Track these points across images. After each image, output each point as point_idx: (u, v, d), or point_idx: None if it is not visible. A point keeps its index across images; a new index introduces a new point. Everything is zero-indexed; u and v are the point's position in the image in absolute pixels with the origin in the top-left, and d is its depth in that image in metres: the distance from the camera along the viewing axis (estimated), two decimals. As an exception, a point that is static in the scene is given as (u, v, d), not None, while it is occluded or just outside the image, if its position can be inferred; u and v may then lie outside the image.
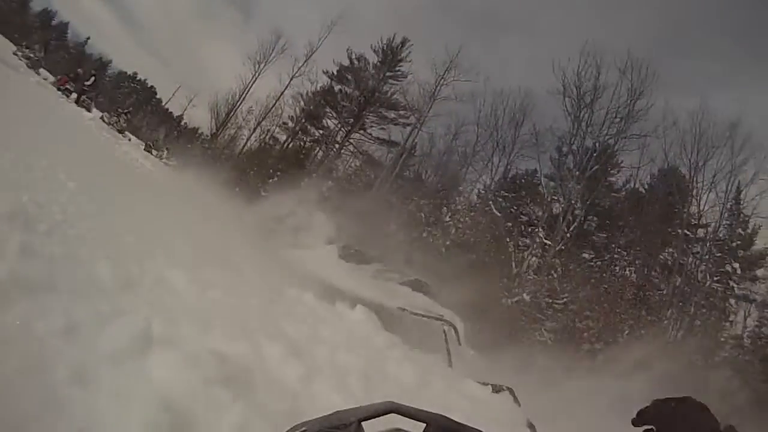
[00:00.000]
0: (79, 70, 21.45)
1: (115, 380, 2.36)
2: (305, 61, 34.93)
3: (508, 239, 26.71)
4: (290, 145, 35.54)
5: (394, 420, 0.69)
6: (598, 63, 28.96)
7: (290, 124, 36.03)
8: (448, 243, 26.40)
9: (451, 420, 0.67)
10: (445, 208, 29.38)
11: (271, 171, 31.30)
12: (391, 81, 34.42)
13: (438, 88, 32.18)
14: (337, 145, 34.51)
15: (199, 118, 41.24)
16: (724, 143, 26.81)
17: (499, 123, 31.45)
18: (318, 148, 35.56)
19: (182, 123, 42.96)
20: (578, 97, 29.16)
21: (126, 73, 47.33)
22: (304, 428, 0.71)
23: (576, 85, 29.21)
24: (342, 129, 34.90)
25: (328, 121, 35.51)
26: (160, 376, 2.57)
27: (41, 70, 19.47)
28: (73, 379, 2.20)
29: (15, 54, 18.35)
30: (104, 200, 5.88)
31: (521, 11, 48.97)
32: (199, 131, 41.89)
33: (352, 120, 34.36)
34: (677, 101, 32.37)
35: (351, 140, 34.70)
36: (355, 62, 35.16)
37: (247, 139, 36.59)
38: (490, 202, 29.13)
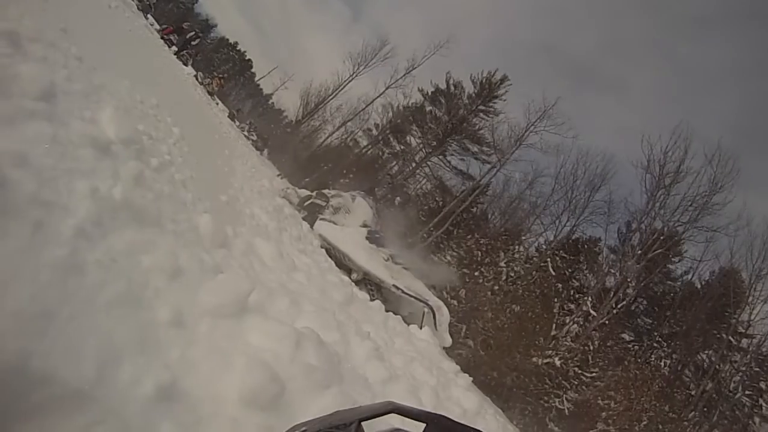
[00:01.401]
0: (185, 24, 21.83)
1: (213, 332, 2.23)
2: (404, 75, 35.08)
3: (555, 299, 25.72)
4: (369, 152, 35.72)
5: (394, 420, 0.69)
6: (686, 146, 27.59)
7: (374, 131, 36.26)
8: (496, 288, 25.76)
9: (451, 420, 0.66)
10: (502, 253, 28.50)
11: (344, 171, 31.50)
12: (482, 115, 33.92)
13: (526, 133, 31.42)
14: (414, 164, 34.30)
15: (287, 102, 41.89)
16: None
17: (576, 183, 30.35)
18: (395, 162, 35.46)
19: (270, 102, 43.83)
20: (659, 176, 27.92)
21: (227, 39, 46.99)
22: (304, 428, 0.73)
23: (660, 164, 27.95)
24: (423, 150, 34.66)
25: (412, 139, 35.29)
26: (256, 342, 2.39)
27: (149, 15, 19.47)
28: (173, 321, 2.04)
29: None
30: (202, 154, 5.87)
31: (624, 74, 47.75)
32: (284, 114, 42.68)
33: (435, 143, 34.03)
34: (755, 201, 30.46)
35: (429, 163, 34.36)
36: (452, 88, 34.82)
37: (329, 135, 37.01)
38: (548, 260, 28.10)
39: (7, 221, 1.49)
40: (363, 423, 0.70)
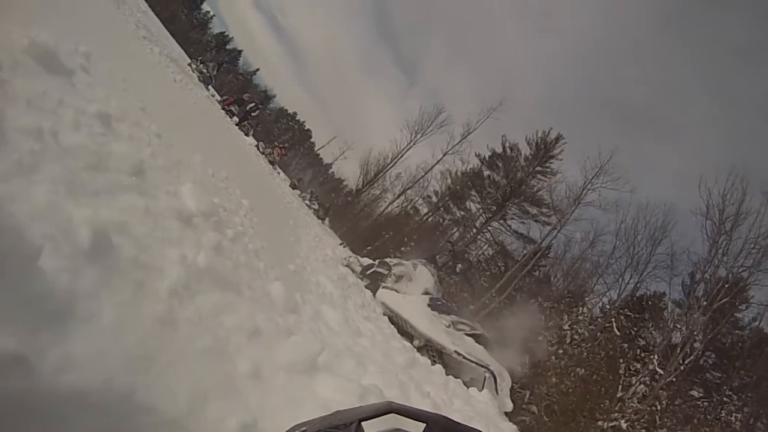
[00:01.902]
0: (245, 95, 22.57)
1: (287, 386, 2.44)
2: (460, 141, 35.79)
3: (621, 360, 24.64)
4: (429, 219, 35.94)
5: (394, 420, 0.68)
6: (744, 186, 26.45)
7: (434, 198, 36.68)
8: (560, 351, 24.90)
9: (451, 420, 0.65)
10: (566, 315, 27.60)
11: (405, 239, 31.72)
12: (539, 176, 33.88)
13: (584, 192, 31.12)
14: (474, 230, 34.22)
15: (347, 171, 43.04)
16: None
17: (637, 238, 29.49)
18: (455, 229, 35.52)
19: (330, 171, 45.15)
20: (719, 221, 26.72)
21: (286, 110, 49.76)
22: (304, 428, 0.71)
23: (719, 208, 26.82)
24: (483, 215, 34.62)
25: (471, 204, 35.43)
26: (325, 394, 2.62)
27: (210, 86, 20.25)
28: (252, 374, 2.27)
29: (189, 65, 19.38)
30: (270, 224, 6.25)
31: (678, 117, 46.81)
32: (344, 183, 43.75)
33: (494, 208, 33.98)
34: None
35: (489, 228, 34.20)
36: (508, 151, 35.17)
37: (389, 203, 37.53)
38: (612, 319, 27.00)
39: (115, 279, 1.78)
40: (363, 423, 0.68)
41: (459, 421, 0.65)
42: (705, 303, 24.98)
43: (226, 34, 48.35)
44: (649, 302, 28.17)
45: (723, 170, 27.89)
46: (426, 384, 5.28)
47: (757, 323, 26.11)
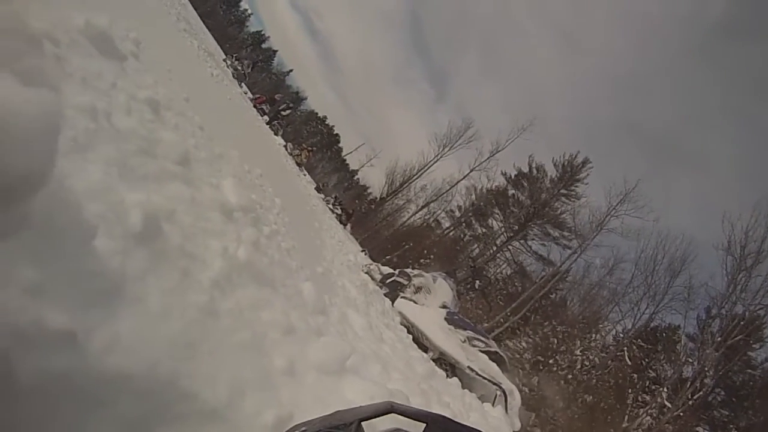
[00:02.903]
0: (277, 95, 22.75)
1: (317, 385, 2.44)
2: (488, 158, 35.62)
3: (630, 390, 24.43)
4: (450, 234, 35.78)
5: (394, 420, 0.68)
6: (767, 223, 26.00)
7: (457, 213, 36.65)
8: (570, 377, 24.53)
9: (451, 420, 0.66)
10: (579, 341, 27.31)
11: (425, 251, 31.61)
12: (564, 199, 33.72)
13: (607, 218, 30.95)
14: (495, 248, 34.00)
15: (372, 178, 43.17)
16: None
17: (656, 268, 28.96)
18: (476, 245, 35.31)
19: (355, 177, 45.15)
20: (740, 257, 26.25)
21: (316, 113, 49.46)
22: (304, 428, 0.73)
23: (741, 244, 26.38)
24: (504, 233, 34.52)
25: (494, 222, 35.36)
26: (352, 397, 2.59)
27: (243, 84, 20.36)
28: (287, 370, 2.25)
29: (224, 61, 19.34)
30: (299, 225, 6.25)
31: (705, 147, 46.00)
32: (368, 190, 43.68)
33: (516, 227, 33.93)
34: None
35: (510, 247, 34.04)
36: (534, 171, 35.01)
37: (412, 214, 37.54)
38: (625, 349, 26.68)
39: (162, 265, 1.76)
40: (363, 423, 0.69)
41: (459, 421, 0.66)
42: (719, 339, 24.77)
43: (262, 32, 48.80)
44: (663, 334, 27.97)
45: (747, 206, 27.53)
46: (445, 395, 5.25)
47: None
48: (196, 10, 26.13)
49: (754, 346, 25.66)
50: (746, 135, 45.71)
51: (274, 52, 49.11)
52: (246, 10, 47.66)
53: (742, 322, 24.92)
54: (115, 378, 1.26)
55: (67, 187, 1.43)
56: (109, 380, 1.24)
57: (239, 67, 20.08)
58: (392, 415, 0.68)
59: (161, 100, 3.09)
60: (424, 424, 0.64)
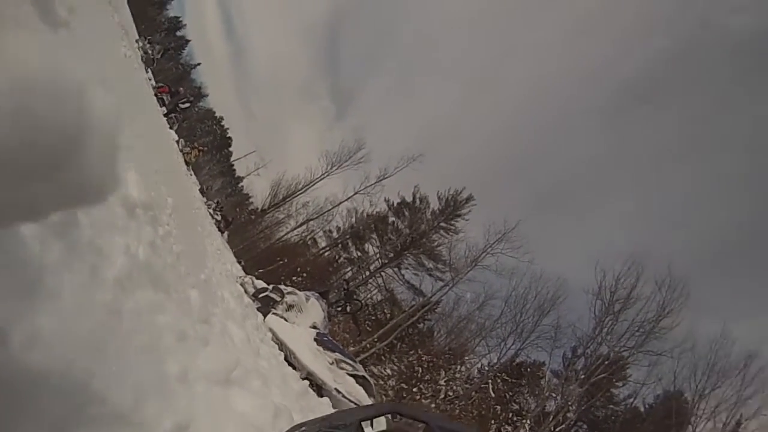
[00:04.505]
0: (180, 88, 21.52)
1: (208, 393, 2.42)
2: (374, 183, 35.94)
3: (493, 421, 25.71)
4: (326, 254, 35.76)
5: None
6: (638, 273, 28.77)
7: (335, 234, 36.69)
8: (433, 406, 25.52)
9: (451, 420, 0.68)
10: (443, 371, 28.41)
11: (298, 269, 31.32)
12: (442, 232, 34.89)
13: (483, 255, 32.25)
14: (368, 273, 34.46)
15: (257, 188, 41.81)
16: (736, 374, 26.03)
17: (526, 307, 30.79)
18: (349, 268, 35.57)
19: (240, 184, 43.75)
20: (609, 303, 28.89)
21: (214, 112, 47.23)
22: (303, 428, 0.72)
23: (611, 290, 29.02)
24: (379, 260, 35.06)
25: (370, 247, 35.84)
26: (243, 410, 2.63)
27: (149, 69, 19.32)
28: (180, 376, 2.23)
29: (136, 42, 18.24)
30: (186, 228, 6.02)
31: (588, 198, 50.82)
32: (251, 200, 42.45)
33: (392, 255, 34.56)
34: (701, 323, 31.68)
35: (383, 273, 34.61)
36: (417, 201, 35.91)
37: (291, 230, 37.10)
38: (489, 381, 28.16)
39: (75, 259, 1.71)
40: (363, 423, 0.69)
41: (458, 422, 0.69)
42: (583, 376, 26.81)
43: (180, 19, 45.89)
44: (528, 369, 29.62)
45: (622, 255, 30.15)
46: (318, 413, 5.29)
47: (632, 401, 28.37)
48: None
49: (617, 384, 28.11)
50: (631, 191, 50.92)
51: (187, 41, 46.61)
52: (171, -10, 44.67)
53: (606, 362, 27.14)
54: (37, 375, 1.21)
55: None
56: (31, 377, 1.20)
57: (149, 51, 19.23)
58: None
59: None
60: (424, 425, 0.66)
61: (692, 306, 27.53)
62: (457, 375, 28.83)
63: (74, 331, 1.46)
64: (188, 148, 22.52)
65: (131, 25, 21.74)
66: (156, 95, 18.31)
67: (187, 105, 21.39)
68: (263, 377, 3.89)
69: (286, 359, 10.79)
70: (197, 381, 2.42)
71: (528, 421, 25.69)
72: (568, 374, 27.97)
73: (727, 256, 42.49)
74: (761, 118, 39.58)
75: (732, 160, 43.78)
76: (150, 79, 19.15)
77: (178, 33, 45.56)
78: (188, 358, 2.46)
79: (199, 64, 47.55)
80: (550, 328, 29.98)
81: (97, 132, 0.79)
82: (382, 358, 29.30)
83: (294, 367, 11.17)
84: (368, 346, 28.58)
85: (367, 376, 13.36)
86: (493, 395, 27.07)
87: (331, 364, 12.51)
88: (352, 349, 24.06)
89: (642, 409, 28.33)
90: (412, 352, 29.15)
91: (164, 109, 19.19)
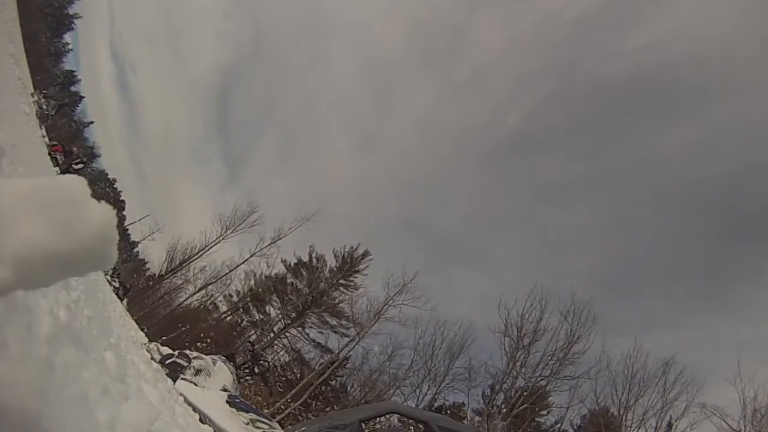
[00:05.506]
0: (74, 147, 20.62)
1: None
2: (269, 245, 35.36)
3: None
4: (228, 318, 34.81)
5: (394, 420, 0.78)
6: (542, 306, 29.65)
7: (234, 298, 35.73)
8: None
9: (450, 420, 0.83)
10: (363, 424, 28.11)
11: (202, 335, 30.22)
12: (342, 289, 34.82)
13: (385, 307, 32.19)
14: (272, 335, 33.90)
15: (153, 253, 39.83)
16: (657, 381, 27.24)
17: (435, 353, 30.95)
18: (253, 331, 34.76)
19: (135, 249, 41.46)
20: (518, 338, 29.44)
21: (107, 174, 45.33)
22: (303, 428, 0.88)
23: (518, 326, 29.58)
24: (282, 321, 34.57)
25: (272, 309, 35.25)
26: None
27: (43, 126, 18.45)
28: (110, 425, 2.38)
29: (31, 95, 17.61)
30: (90, 294, 5.92)
31: (484, 244, 52.77)
32: (147, 265, 40.46)
33: (294, 315, 34.12)
34: (613, 341, 33.57)
35: (287, 334, 34.11)
36: (314, 261, 35.80)
37: (190, 296, 35.66)
38: (411, 427, 28.26)
39: (14, 316, 1.87)
40: (363, 423, 0.83)
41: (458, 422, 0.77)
42: (505, 410, 27.06)
43: (75, 73, 43.71)
44: (448, 411, 29.41)
45: (523, 291, 30.57)
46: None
47: (559, 425, 29.04)
48: (22, 28, 22.86)
49: (541, 412, 28.72)
50: (523, 234, 53.41)
51: (81, 98, 44.00)
52: (68, 44, 42.64)
53: (525, 393, 27.64)
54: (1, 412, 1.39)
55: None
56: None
57: (44, 106, 18.32)
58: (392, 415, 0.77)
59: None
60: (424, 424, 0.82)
61: (601, 327, 28.77)
62: (378, 426, 28.53)
63: (23, 378, 1.63)
64: (82, 213, 21.17)
65: (28, 77, 20.85)
66: (50, 153, 17.58)
67: (81, 166, 20.21)
68: (183, 429, 3.96)
69: (201, 421, 10.51)
70: (125, 429, 2.54)
71: (458, 463, 25.69)
72: (489, 410, 28.22)
73: (627, 276, 46.22)
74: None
75: (618, 191, 47.70)
76: (44, 137, 18.40)
77: (73, 88, 43.36)
78: (114, 409, 2.57)
79: (92, 122, 45.45)
80: (464, 370, 30.24)
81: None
82: (299, 417, 28.45)
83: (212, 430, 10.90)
84: (282, 407, 27.82)
85: None
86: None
87: (247, 424, 12.26)
88: (266, 411, 23.27)
89: (572, 431, 29.28)
90: (328, 409, 28.39)
91: (57, 169, 18.32)
